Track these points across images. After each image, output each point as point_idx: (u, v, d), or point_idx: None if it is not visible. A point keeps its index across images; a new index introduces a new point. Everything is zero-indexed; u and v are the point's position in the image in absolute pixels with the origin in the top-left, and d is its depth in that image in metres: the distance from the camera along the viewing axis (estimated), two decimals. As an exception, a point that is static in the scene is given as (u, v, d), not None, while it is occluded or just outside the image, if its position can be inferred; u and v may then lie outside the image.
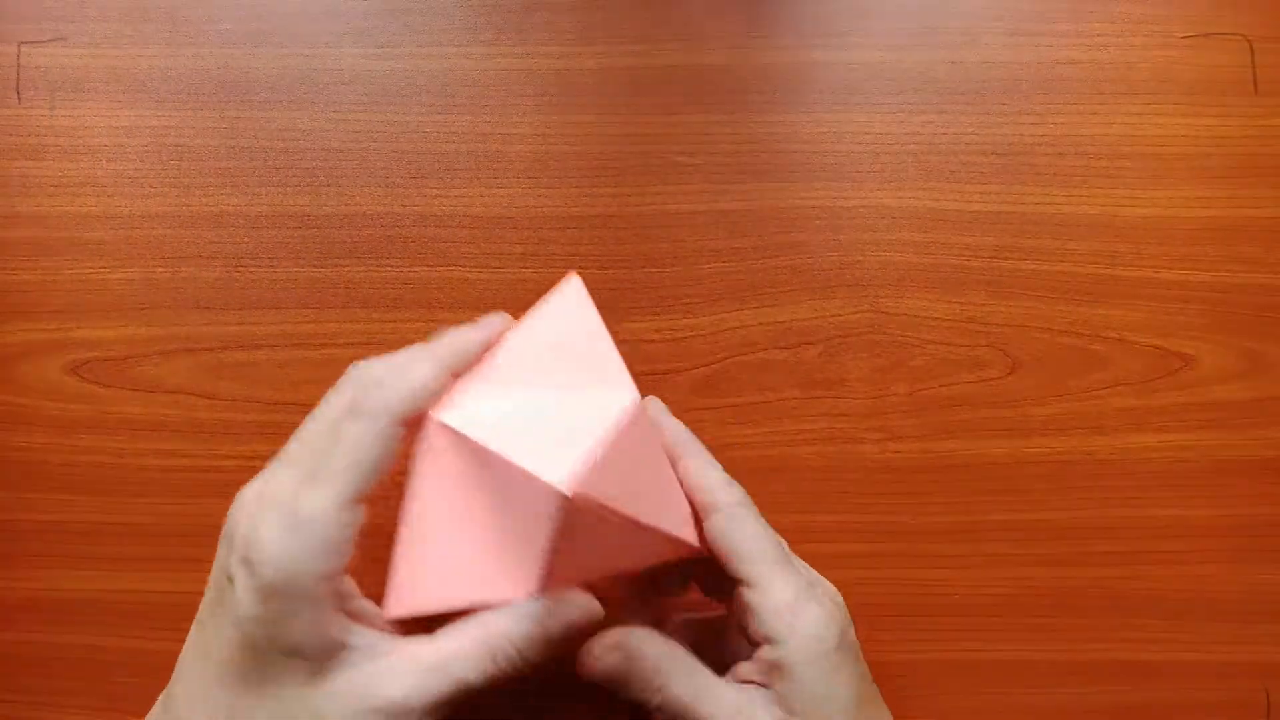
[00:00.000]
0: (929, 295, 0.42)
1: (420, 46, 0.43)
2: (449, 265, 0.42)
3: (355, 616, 0.28)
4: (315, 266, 0.42)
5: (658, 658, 0.29)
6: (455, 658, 0.26)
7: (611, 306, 0.42)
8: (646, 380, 0.41)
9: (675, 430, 0.33)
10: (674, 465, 0.33)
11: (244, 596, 0.25)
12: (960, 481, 0.41)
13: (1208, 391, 0.42)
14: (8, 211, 0.42)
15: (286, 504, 0.26)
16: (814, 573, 0.33)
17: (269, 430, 0.41)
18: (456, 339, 0.31)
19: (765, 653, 0.29)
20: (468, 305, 0.42)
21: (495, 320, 0.32)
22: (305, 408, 0.41)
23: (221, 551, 0.28)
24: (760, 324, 0.42)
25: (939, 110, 0.43)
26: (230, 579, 0.26)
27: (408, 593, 0.30)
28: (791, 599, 0.29)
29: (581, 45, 0.43)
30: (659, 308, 0.42)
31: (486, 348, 0.31)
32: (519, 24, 0.43)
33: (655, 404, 0.35)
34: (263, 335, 0.42)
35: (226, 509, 0.41)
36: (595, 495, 0.27)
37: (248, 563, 0.25)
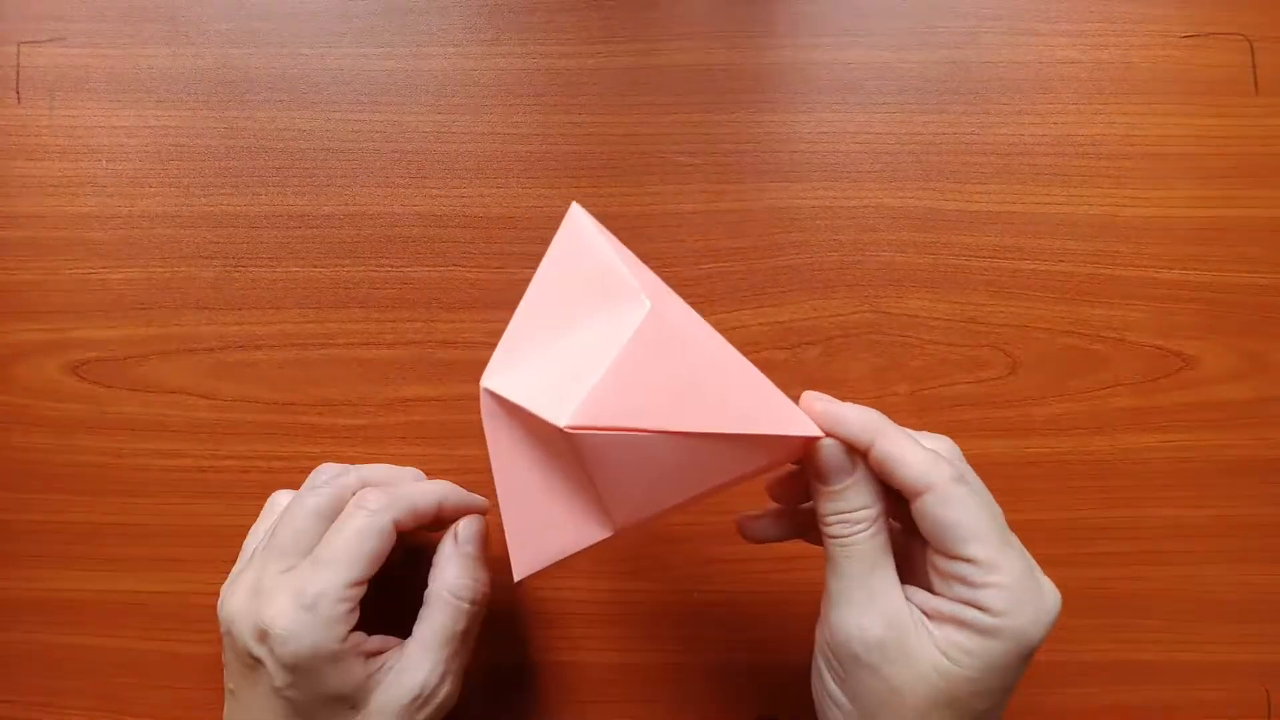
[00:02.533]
0: (929, 295, 0.42)
1: (420, 46, 0.43)
2: (449, 265, 0.42)
3: (370, 652, 0.32)
4: (315, 266, 0.42)
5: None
6: (434, 635, 0.33)
7: (611, 306, 0.42)
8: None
9: (853, 417, 0.30)
10: (866, 456, 0.30)
11: (275, 672, 0.30)
12: (960, 481, 0.41)
13: (1208, 391, 0.42)
14: (7, 211, 0.42)
15: (295, 587, 0.30)
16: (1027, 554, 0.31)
17: (269, 430, 0.41)
18: (448, 491, 0.36)
19: (976, 617, 0.28)
20: (468, 305, 0.42)
21: (481, 502, 0.37)
22: (305, 407, 0.42)
23: (227, 642, 0.33)
24: (760, 324, 0.42)
25: (939, 110, 0.43)
26: (256, 660, 0.31)
27: (525, 554, 0.31)
28: (1013, 585, 0.28)
29: (581, 45, 0.43)
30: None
31: (458, 510, 0.35)
32: (519, 24, 0.43)
33: (817, 398, 0.31)
34: (262, 335, 0.42)
35: (226, 509, 0.41)
36: (605, 422, 0.26)
37: (268, 645, 0.30)
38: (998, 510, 0.30)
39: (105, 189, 0.42)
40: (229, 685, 0.33)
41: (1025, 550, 0.30)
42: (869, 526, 0.29)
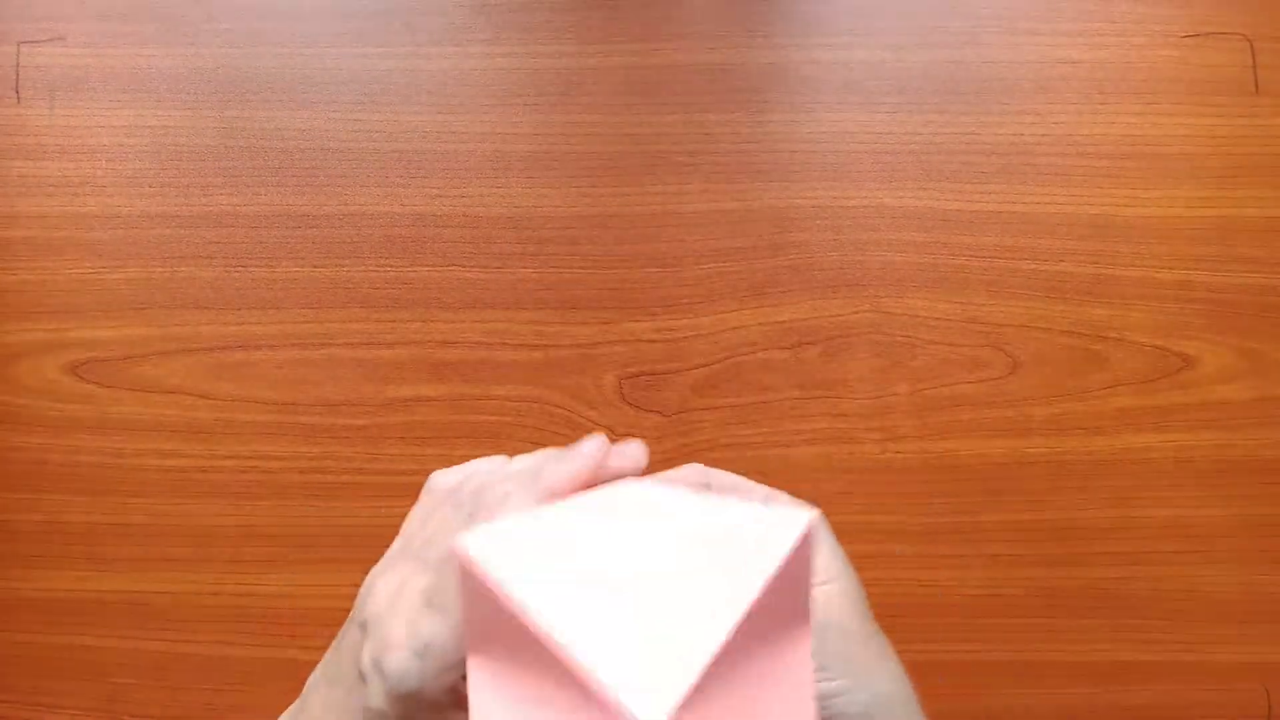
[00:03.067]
0: (929, 295, 0.42)
1: (420, 46, 0.43)
2: (449, 265, 0.42)
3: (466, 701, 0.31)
4: (315, 266, 0.42)
5: None
6: None
7: (611, 306, 0.42)
8: (647, 380, 0.41)
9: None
10: None
11: (376, 696, 0.29)
12: (961, 482, 0.41)
13: (1208, 391, 0.42)
14: (6, 211, 0.42)
15: (412, 624, 0.28)
16: None
17: (268, 430, 0.41)
18: (551, 473, 0.30)
19: None
20: (467, 305, 0.42)
21: (592, 446, 0.30)
22: (304, 407, 0.42)
23: (353, 632, 0.31)
24: (760, 324, 0.42)
25: (940, 110, 0.43)
26: (364, 672, 0.29)
27: None
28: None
29: (581, 45, 0.43)
30: (659, 308, 0.42)
31: (581, 477, 0.30)
32: (519, 24, 0.43)
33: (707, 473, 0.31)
34: (262, 335, 0.42)
35: (225, 509, 0.41)
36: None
37: (380, 669, 0.29)
38: None
39: (105, 189, 0.42)
40: (333, 659, 0.32)
41: None
42: None
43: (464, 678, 0.27)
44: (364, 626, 0.30)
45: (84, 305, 0.42)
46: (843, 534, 0.42)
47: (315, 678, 0.32)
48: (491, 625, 0.21)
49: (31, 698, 0.41)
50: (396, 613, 0.29)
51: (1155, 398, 0.42)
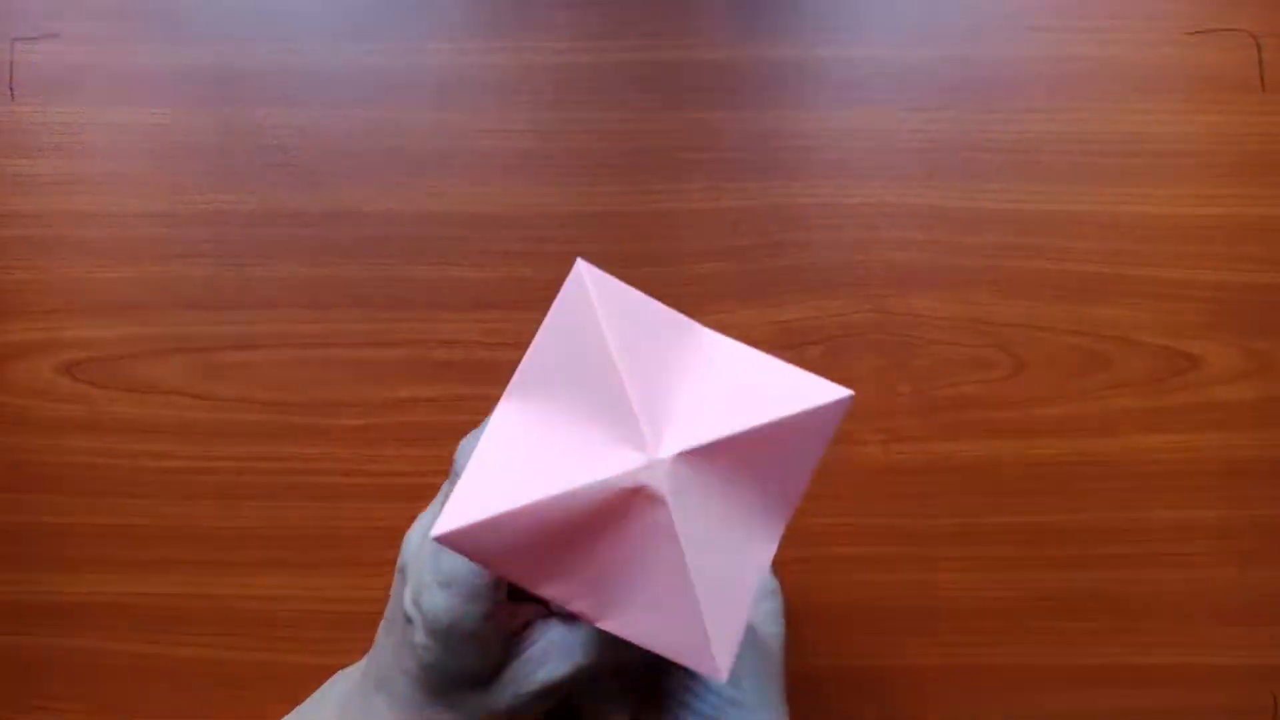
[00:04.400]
0: (933, 294, 0.42)
1: (417, 43, 0.43)
2: (447, 264, 0.42)
3: (518, 630, 0.31)
4: (312, 265, 0.42)
5: None
6: (579, 646, 0.30)
7: (611, 306, 0.41)
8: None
9: None
10: None
11: (419, 637, 0.29)
12: (965, 483, 0.41)
13: (1214, 392, 0.41)
14: (0, 210, 0.42)
15: (435, 558, 0.29)
16: None
17: (265, 431, 0.41)
18: None
19: None
20: (467, 305, 0.41)
21: None
22: (301, 408, 0.41)
23: (397, 580, 0.31)
24: (763, 323, 0.41)
25: (944, 107, 0.42)
26: (408, 614, 0.30)
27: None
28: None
29: (580, 41, 0.43)
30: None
31: None
32: (518, 22, 0.43)
33: None
34: (258, 335, 0.41)
35: (222, 510, 0.41)
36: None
37: (419, 610, 0.29)
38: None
39: (100, 187, 0.42)
40: (389, 608, 0.32)
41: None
42: None
43: (500, 605, 0.28)
44: (403, 571, 0.31)
45: (78, 304, 0.42)
46: (846, 536, 0.41)
47: (380, 628, 0.33)
48: (558, 349, 0.25)
49: (25, 700, 0.40)
50: (425, 551, 0.30)
51: (1161, 398, 0.41)
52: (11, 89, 0.43)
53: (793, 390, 0.25)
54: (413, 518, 0.40)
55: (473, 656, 0.29)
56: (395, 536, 0.40)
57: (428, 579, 0.29)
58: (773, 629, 0.33)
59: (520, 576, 0.25)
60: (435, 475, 0.38)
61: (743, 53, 0.43)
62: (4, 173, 0.42)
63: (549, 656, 0.30)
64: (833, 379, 0.41)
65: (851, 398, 0.25)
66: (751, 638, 0.32)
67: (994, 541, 0.41)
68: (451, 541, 0.24)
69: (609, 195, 0.42)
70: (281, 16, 0.43)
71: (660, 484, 0.23)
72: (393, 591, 0.32)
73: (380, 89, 0.42)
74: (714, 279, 0.42)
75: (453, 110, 0.42)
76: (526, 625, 0.31)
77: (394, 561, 0.38)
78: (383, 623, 0.33)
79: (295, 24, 0.43)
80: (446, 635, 0.29)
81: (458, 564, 0.28)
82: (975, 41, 0.43)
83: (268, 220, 0.42)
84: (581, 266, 0.26)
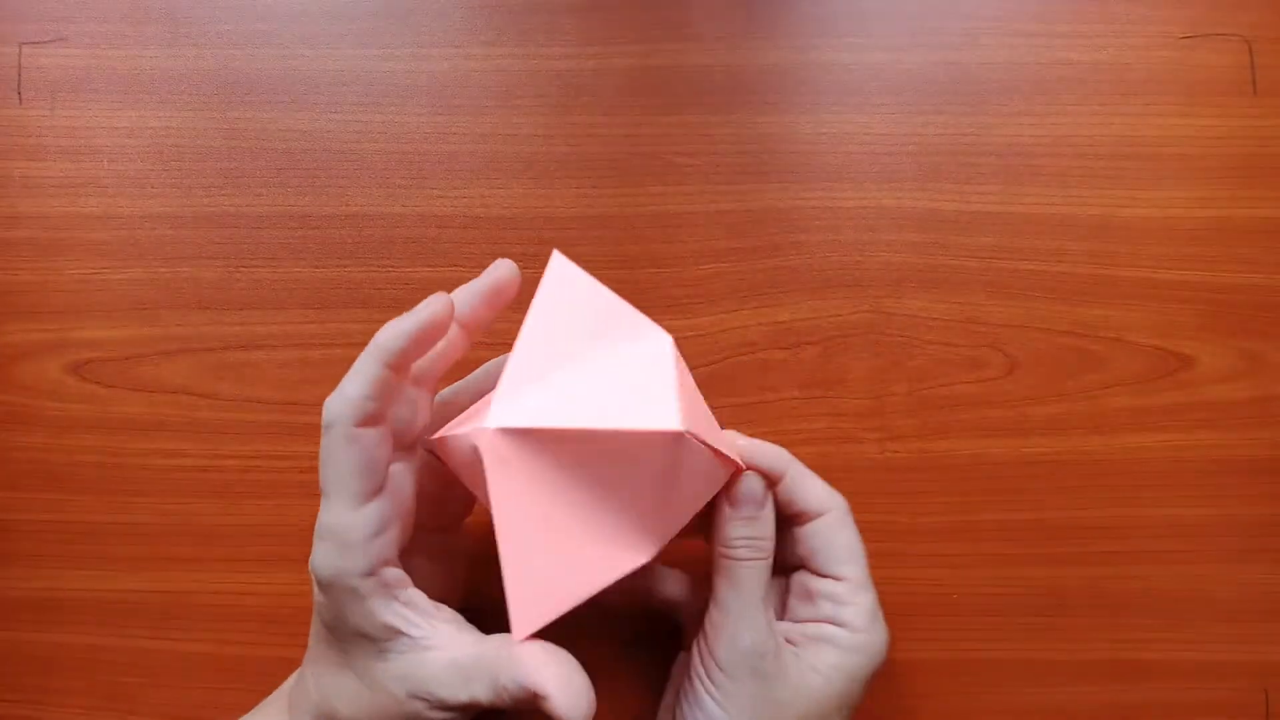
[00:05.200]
0: (928, 295, 0.42)
1: (420, 47, 0.43)
2: (449, 265, 0.42)
3: (409, 604, 0.30)
4: (316, 267, 0.42)
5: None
6: (475, 677, 0.29)
7: (611, 307, 0.42)
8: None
9: (771, 451, 0.34)
10: (776, 487, 0.34)
11: (315, 591, 0.30)
12: (959, 481, 0.41)
13: (1206, 392, 0.42)
14: (9, 212, 0.42)
15: (321, 513, 0.30)
16: None
17: (270, 430, 0.41)
18: (386, 334, 0.30)
19: (840, 635, 0.33)
20: (468, 305, 0.42)
21: (434, 303, 0.31)
22: (306, 407, 0.42)
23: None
24: (760, 324, 0.42)
25: (938, 111, 0.43)
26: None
27: (531, 607, 0.29)
28: (872, 608, 0.33)
29: (581, 46, 0.43)
30: (659, 308, 0.42)
31: (424, 334, 0.30)
32: (519, 25, 0.43)
33: (736, 436, 0.35)
34: (264, 335, 0.42)
35: (227, 509, 0.41)
36: (694, 430, 0.28)
37: (312, 565, 0.29)
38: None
39: (107, 189, 0.43)
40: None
41: None
42: (769, 555, 0.33)
43: (384, 561, 0.29)
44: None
45: (86, 305, 0.42)
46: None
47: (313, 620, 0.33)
48: (567, 307, 0.31)
49: (31, 696, 0.41)
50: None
51: (1153, 398, 0.42)
52: (19, 93, 0.43)
53: (637, 412, 0.28)
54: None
55: (356, 614, 0.29)
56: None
57: (316, 532, 0.29)
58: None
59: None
60: (438, 473, 0.39)
61: (740, 58, 0.43)
62: (12, 175, 0.43)
63: (441, 669, 0.29)
64: (829, 379, 0.42)
65: (679, 436, 0.28)
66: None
67: (987, 539, 0.41)
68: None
69: (609, 198, 0.42)
70: (287, 21, 0.43)
71: (484, 450, 0.28)
72: None
73: (384, 93, 0.43)
74: (712, 280, 0.42)
75: (455, 114, 0.43)
76: (413, 607, 0.30)
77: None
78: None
79: (300, 29, 0.43)
80: (328, 590, 0.29)
81: (338, 517, 0.28)
82: (970, 46, 0.43)
83: (273, 222, 0.42)
84: (555, 258, 0.32)
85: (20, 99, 0.43)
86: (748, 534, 0.33)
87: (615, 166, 0.43)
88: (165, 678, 0.41)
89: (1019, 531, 0.41)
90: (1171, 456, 0.41)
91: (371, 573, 0.29)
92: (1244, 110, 0.43)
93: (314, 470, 0.32)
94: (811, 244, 0.42)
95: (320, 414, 0.29)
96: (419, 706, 0.29)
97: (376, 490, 0.29)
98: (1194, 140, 0.43)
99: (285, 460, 0.41)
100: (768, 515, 0.33)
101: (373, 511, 0.29)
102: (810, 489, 0.34)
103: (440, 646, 0.29)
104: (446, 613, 0.31)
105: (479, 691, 0.28)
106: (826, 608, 0.33)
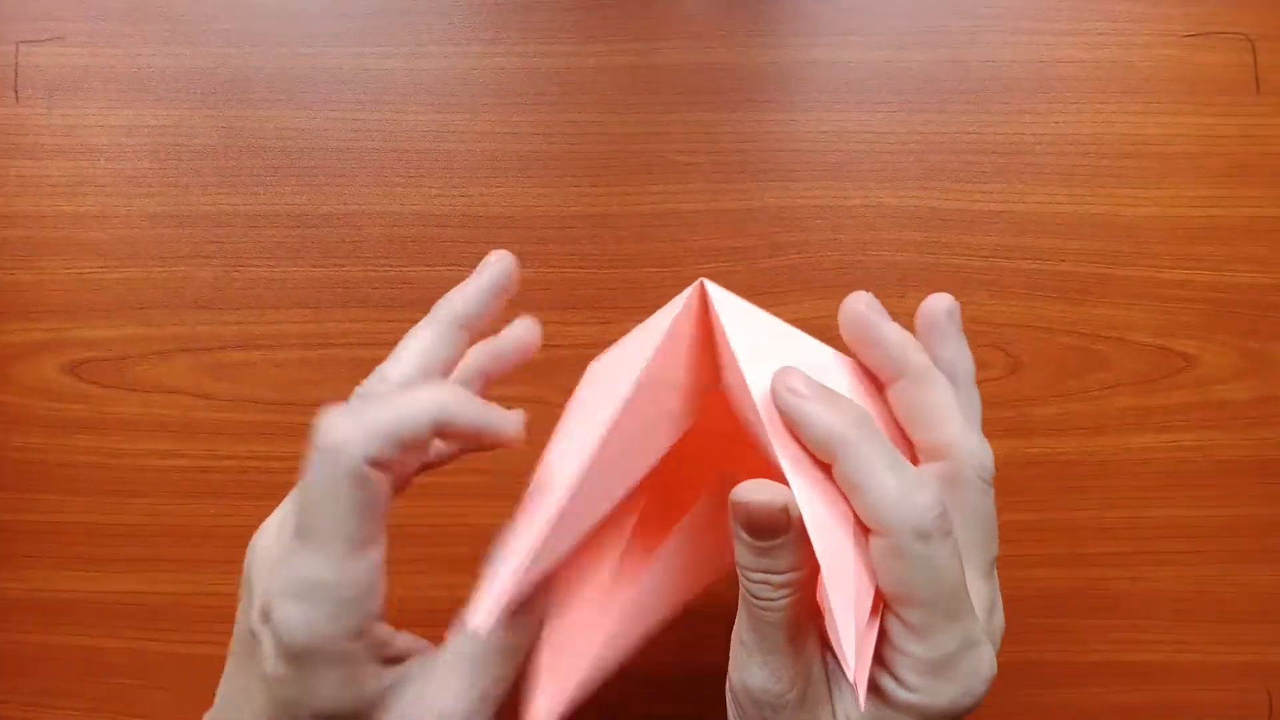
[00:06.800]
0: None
1: (419, 46, 0.43)
2: (448, 265, 0.42)
3: (394, 659, 0.25)
4: (314, 266, 0.42)
5: None
6: (478, 647, 0.25)
7: (611, 306, 0.41)
8: (646, 380, 0.41)
9: (820, 420, 0.25)
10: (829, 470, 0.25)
11: (270, 658, 0.23)
12: (961, 482, 0.41)
13: (1209, 391, 0.42)
14: (5, 211, 0.42)
15: (287, 563, 0.23)
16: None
17: (267, 431, 0.41)
18: (447, 400, 0.25)
19: (891, 688, 0.25)
20: (467, 305, 0.42)
21: (498, 258, 0.27)
22: (304, 408, 0.42)
23: (243, 599, 0.26)
24: (760, 324, 0.42)
25: (940, 109, 0.43)
26: (254, 633, 0.24)
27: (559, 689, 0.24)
28: (934, 659, 0.24)
29: (581, 44, 0.43)
30: (659, 308, 0.42)
31: (495, 298, 0.27)
32: (518, 23, 0.43)
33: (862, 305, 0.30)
34: (261, 335, 0.42)
35: (224, 509, 0.41)
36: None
37: (271, 623, 0.23)
38: (976, 561, 0.27)
39: (103, 188, 0.42)
40: (233, 649, 0.26)
41: (978, 617, 0.26)
42: (793, 593, 0.23)
43: (374, 620, 0.23)
44: (248, 583, 0.25)
45: (82, 305, 0.42)
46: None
47: (228, 663, 0.27)
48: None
49: (30, 698, 0.40)
50: (274, 554, 0.24)
51: (1156, 397, 0.42)
52: (16, 91, 0.43)
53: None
54: (414, 516, 0.40)
55: (336, 688, 0.23)
56: (397, 535, 0.40)
57: (277, 588, 0.23)
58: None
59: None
60: (435, 474, 0.39)
61: (741, 57, 0.43)
62: (8, 174, 0.42)
63: (436, 686, 0.24)
64: (830, 379, 0.41)
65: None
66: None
67: (990, 540, 0.41)
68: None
69: (609, 197, 0.42)
70: (284, 19, 0.43)
71: None
72: (239, 612, 0.26)
73: (382, 92, 0.43)
74: (713, 279, 0.42)
75: (454, 112, 0.43)
76: (403, 659, 0.25)
77: (398, 560, 0.38)
78: (229, 655, 0.26)
79: (297, 27, 0.43)
80: (302, 660, 0.22)
81: (317, 565, 0.22)
82: (972, 44, 0.43)
83: (270, 221, 0.42)
84: (706, 285, 0.29)
85: (17, 98, 0.43)
86: (760, 565, 0.23)
87: (615, 165, 0.42)
88: (162, 679, 0.41)
89: (1022, 532, 0.41)
90: (1174, 457, 0.41)
91: (363, 633, 0.23)
92: (1247, 109, 0.43)
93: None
94: (812, 243, 0.42)
95: (318, 413, 0.27)
96: None
97: (378, 533, 0.24)
98: (1197, 139, 0.42)
99: (283, 461, 0.41)
100: (789, 546, 0.23)
101: (372, 560, 0.23)
102: (878, 489, 0.23)
103: (433, 672, 0.25)
104: (417, 639, 0.26)
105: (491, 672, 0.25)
106: (884, 650, 0.25)
